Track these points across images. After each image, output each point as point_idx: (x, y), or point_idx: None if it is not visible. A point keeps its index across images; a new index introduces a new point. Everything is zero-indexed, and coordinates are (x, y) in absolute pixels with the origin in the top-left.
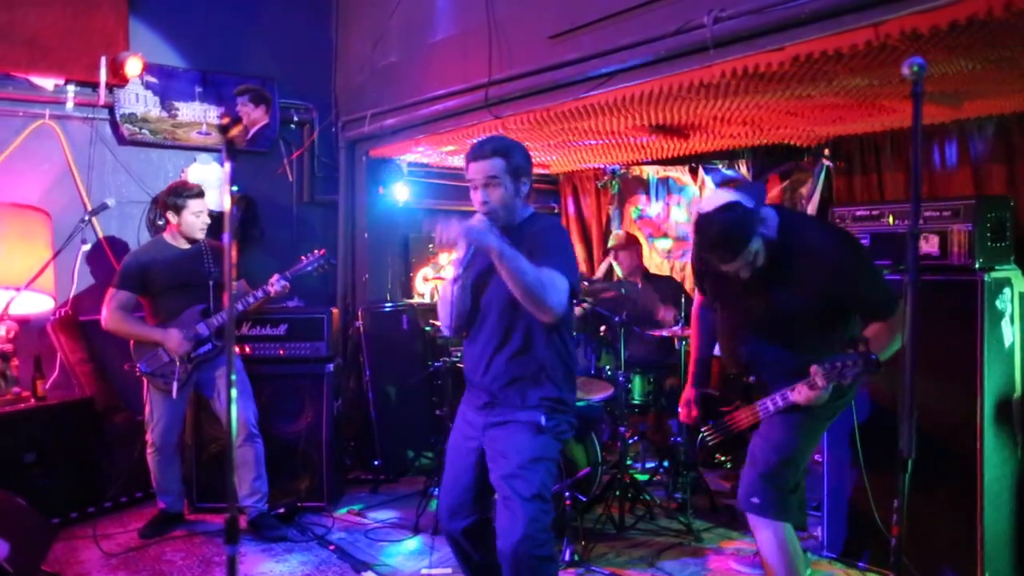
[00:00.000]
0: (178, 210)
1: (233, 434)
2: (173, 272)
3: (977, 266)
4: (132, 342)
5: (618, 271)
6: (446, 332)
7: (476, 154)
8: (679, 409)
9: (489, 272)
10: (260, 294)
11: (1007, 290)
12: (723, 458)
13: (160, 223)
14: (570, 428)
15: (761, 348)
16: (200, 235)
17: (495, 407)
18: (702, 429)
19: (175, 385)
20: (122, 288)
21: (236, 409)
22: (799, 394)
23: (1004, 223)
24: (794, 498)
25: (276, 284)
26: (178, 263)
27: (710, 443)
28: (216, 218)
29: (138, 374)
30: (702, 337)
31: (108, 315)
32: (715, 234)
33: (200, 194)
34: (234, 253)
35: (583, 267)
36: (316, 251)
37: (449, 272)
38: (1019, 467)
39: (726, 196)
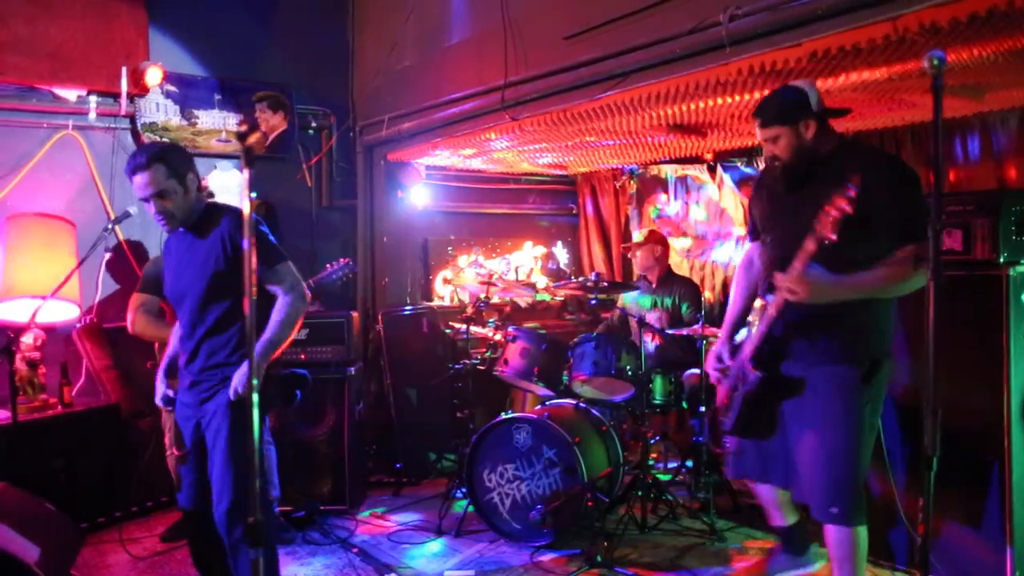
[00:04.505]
0: None
1: (256, 439)
2: None
3: (1002, 260)
4: (157, 344)
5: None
6: None
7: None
8: (708, 361)
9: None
10: None
11: None
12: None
13: None
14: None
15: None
16: None
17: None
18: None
19: None
20: (142, 291)
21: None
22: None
23: None
24: (863, 497)
25: None
26: None
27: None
28: None
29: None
30: (741, 292)
31: (131, 318)
32: (769, 96)
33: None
34: (254, 259)
35: (602, 268)
36: (341, 260)
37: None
38: None
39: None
